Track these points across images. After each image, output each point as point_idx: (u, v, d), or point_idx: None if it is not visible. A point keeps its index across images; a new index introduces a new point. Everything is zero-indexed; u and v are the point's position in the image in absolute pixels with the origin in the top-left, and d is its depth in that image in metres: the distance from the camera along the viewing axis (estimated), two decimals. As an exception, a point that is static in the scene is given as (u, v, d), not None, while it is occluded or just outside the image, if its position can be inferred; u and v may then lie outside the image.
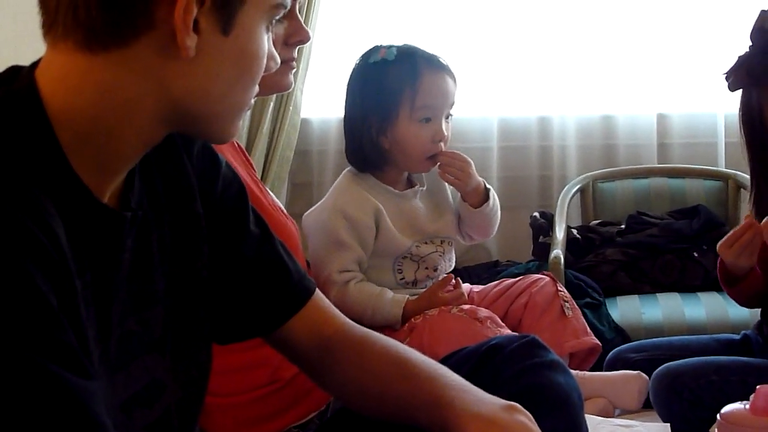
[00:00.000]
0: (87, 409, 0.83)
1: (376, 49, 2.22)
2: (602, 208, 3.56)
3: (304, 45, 3.45)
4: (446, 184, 2.29)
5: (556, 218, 3.35)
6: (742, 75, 1.95)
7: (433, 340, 2.05)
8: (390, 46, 2.20)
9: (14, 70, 0.96)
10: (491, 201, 2.25)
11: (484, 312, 2.09)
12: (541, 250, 3.32)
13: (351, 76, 2.23)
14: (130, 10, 0.90)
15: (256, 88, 1.02)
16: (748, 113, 2.00)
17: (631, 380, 2.14)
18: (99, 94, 0.92)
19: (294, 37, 1.63)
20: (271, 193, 1.83)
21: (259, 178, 3.40)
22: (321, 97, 3.74)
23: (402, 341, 2.10)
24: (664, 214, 3.47)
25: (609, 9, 3.69)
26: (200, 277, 1.14)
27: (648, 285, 3.24)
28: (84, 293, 0.92)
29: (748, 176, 2.16)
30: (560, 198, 3.45)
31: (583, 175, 3.59)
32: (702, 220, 3.38)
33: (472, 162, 2.20)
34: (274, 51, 1.05)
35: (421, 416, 1.19)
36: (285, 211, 1.81)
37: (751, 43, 1.97)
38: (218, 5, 0.93)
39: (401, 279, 2.20)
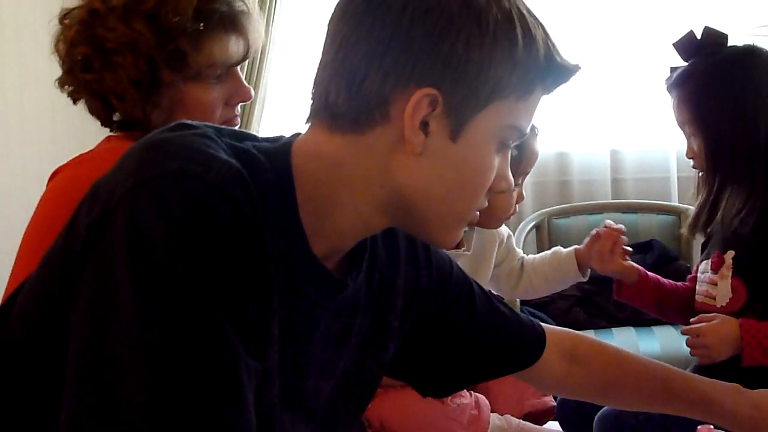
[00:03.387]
0: (238, 375, 0.87)
1: None
2: (557, 244, 3.56)
3: (260, 84, 3.50)
4: (495, 247, 2.28)
5: (512, 255, 3.37)
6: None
7: (395, 415, 2.07)
8: None
9: (280, 136, 1.08)
10: None
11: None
12: (498, 287, 3.34)
13: None
14: (371, 104, 0.98)
15: (481, 202, 1.06)
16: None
17: None
18: (330, 166, 1.01)
19: (235, 98, 1.64)
20: None
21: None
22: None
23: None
24: (618, 249, 3.51)
25: (562, 50, 3.74)
26: (372, 373, 1.20)
27: (604, 320, 3.28)
28: (272, 315, 0.99)
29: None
30: (516, 235, 3.48)
31: (539, 212, 3.64)
32: (655, 254, 3.43)
33: None
34: (508, 172, 1.08)
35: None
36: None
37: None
38: (450, 111, 0.99)
39: None
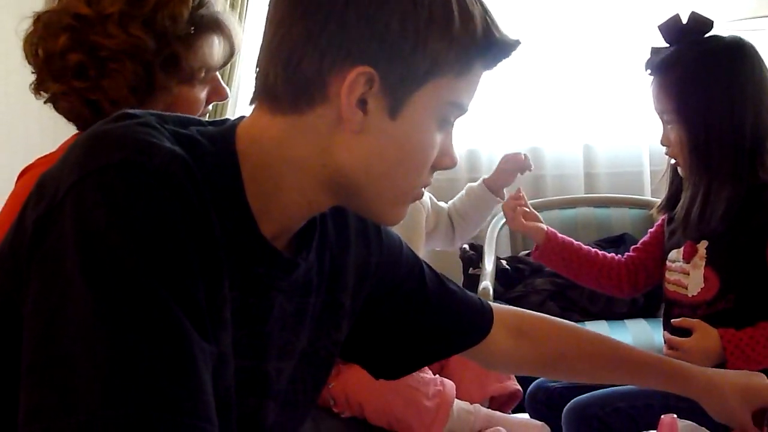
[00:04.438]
0: (191, 355, 0.87)
1: None
2: (531, 239, 3.60)
3: (233, 82, 3.50)
4: (423, 217, 2.36)
5: (486, 249, 3.39)
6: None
7: (359, 387, 2.07)
8: None
9: (225, 119, 1.10)
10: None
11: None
12: (471, 282, 3.35)
13: None
14: (309, 84, 0.99)
15: (424, 179, 1.07)
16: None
17: (531, 428, 2.17)
18: (273, 147, 1.03)
19: (213, 97, 1.69)
20: None
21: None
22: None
23: (328, 384, 2.14)
24: (591, 243, 3.51)
25: (536, 46, 3.76)
26: (328, 351, 1.21)
27: (577, 314, 3.29)
28: (224, 299, 0.99)
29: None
30: (489, 229, 3.49)
31: (512, 207, 3.64)
32: (628, 248, 3.42)
33: None
34: (452, 149, 1.08)
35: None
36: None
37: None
38: (387, 89, 0.99)
39: None
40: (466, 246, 3.51)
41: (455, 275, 3.52)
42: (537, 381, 2.31)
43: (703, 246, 2.06)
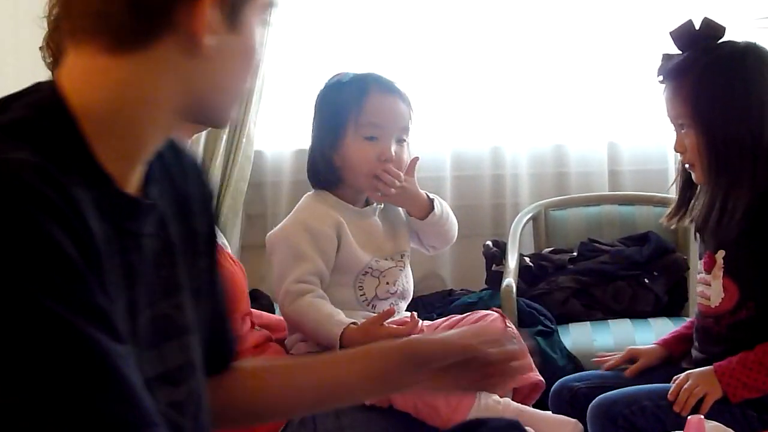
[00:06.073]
0: (112, 365, 0.85)
1: (336, 75, 2.29)
2: (554, 236, 3.60)
3: (258, 76, 3.50)
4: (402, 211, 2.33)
5: (509, 246, 3.39)
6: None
7: None
8: (348, 72, 2.27)
9: (38, 84, 1.02)
10: (437, 210, 2.28)
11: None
12: (494, 279, 3.35)
13: (315, 99, 2.30)
14: (152, 14, 0.97)
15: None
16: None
17: (565, 425, 2.16)
18: (121, 90, 0.99)
19: None
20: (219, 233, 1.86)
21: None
22: (274, 130, 3.79)
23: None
24: (615, 241, 3.51)
25: (560, 42, 3.76)
26: (205, 279, 1.20)
27: (600, 311, 3.28)
28: (111, 272, 0.96)
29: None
30: (513, 226, 3.48)
31: (536, 203, 3.63)
32: (652, 246, 3.43)
33: (401, 175, 2.22)
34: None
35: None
36: (232, 254, 1.83)
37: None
38: (227, 6, 1.00)
39: (361, 296, 2.22)
40: (489, 243, 3.50)
41: (478, 272, 3.52)
42: (561, 379, 2.31)
43: (720, 256, 2.06)
